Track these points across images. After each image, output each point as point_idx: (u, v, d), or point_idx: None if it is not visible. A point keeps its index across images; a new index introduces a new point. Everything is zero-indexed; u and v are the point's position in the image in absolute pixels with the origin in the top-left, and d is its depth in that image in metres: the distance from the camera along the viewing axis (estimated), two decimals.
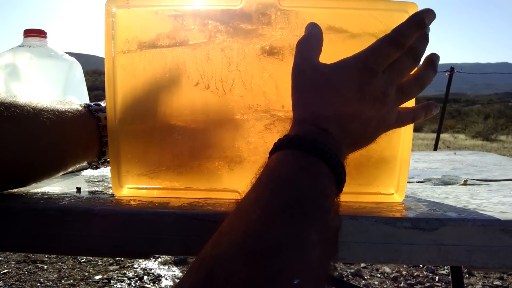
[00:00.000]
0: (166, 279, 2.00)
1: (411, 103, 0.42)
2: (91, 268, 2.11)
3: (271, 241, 0.24)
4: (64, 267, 2.11)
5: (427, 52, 0.40)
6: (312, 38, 0.39)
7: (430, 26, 0.39)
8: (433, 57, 0.40)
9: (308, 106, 0.37)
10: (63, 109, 0.45)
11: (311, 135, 0.33)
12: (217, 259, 0.24)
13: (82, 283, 1.94)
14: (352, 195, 0.44)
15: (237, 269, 0.22)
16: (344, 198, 0.44)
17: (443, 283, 1.94)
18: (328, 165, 0.32)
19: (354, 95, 0.36)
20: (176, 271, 2.08)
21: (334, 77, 0.36)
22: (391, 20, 0.43)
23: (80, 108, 0.48)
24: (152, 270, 2.10)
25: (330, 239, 0.28)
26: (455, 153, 1.09)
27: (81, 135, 0.47)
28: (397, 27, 0.38)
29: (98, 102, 0.50)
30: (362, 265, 2.11)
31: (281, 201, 0.27)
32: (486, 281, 1.98)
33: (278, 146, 0.33)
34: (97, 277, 2.01)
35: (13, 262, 2.14)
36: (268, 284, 0.22)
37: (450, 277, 1.03)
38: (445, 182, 0.60)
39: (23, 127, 0.41)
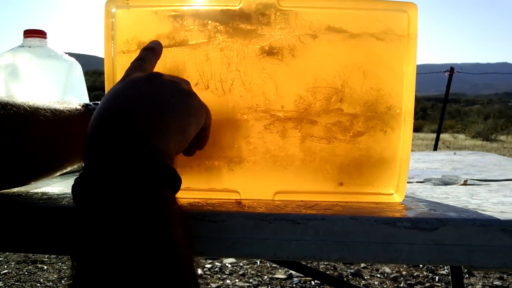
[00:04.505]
0: None
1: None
2: None
3: None
4: (64, 267, 2.11)
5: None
6: None
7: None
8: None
9: None
10: (61, 108, 0.45)
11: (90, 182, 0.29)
12: None
13: None
14: (352, 195, 0.44)
15: None
16: (344, 198, 0.45)
17: (443, 283, 1.94)
18: (119, 180, 0.28)
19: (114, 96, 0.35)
20: None
21: None
22: (391, 20, 0.43)
23: (78, 107, 0.48)
24: None
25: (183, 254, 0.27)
26: (455, 153, 1.09)
27: (79, 133, 0.47)
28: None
29: (97, 102, 0.50)
30: (362, 265, 2.11)
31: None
32: (486, 281, 1.98)
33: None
34: None
35: (13, 263, 2.14)
36: None
37: (450, 277, 1.03)
38: (445, 182, 0.60)
39: (20, 125, 0.41)
